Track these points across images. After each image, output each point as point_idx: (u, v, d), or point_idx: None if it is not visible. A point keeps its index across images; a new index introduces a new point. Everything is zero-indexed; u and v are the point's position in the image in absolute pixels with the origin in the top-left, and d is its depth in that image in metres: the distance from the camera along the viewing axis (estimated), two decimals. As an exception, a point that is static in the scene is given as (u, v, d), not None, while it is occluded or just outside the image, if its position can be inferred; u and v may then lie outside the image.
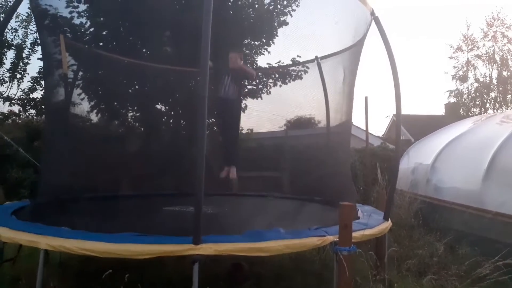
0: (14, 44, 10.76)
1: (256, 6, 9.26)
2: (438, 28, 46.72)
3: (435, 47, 47.77)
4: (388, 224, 4.60)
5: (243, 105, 9.41)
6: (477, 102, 21.60)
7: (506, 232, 5.04)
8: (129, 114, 9.40)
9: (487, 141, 6.57)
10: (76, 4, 7.93)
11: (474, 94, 21.71)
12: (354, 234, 3.45)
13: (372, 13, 4.79)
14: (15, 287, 3.83)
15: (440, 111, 25.17)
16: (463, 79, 21.88)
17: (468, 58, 21.87)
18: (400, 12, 50.30)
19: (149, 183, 6.93)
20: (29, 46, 10.90)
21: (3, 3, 10.62)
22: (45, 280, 3.28)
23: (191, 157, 5.51)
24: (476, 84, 21.74)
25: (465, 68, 21.97)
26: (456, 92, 22.05)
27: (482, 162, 6.06)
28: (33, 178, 7.73)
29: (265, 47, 9.59)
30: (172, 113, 9.68)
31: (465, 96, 21.94)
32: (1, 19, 9.49)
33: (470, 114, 20.08)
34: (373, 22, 4.84)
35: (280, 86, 9.18)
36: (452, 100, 22.17)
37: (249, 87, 9.60)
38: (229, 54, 5.74)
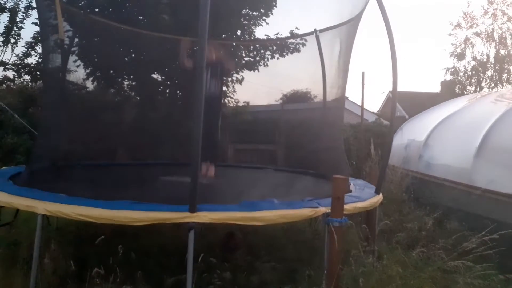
0: (8, 7, 10.52)
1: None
2: (439, 4, 46.01)
3: (435, 24, 47.15)
4: (379, 197, 4.67)
5: (239, 77, 9.42)
6: (473, 81, 21.51)
7: (494, 209, 5.17)
8: (125, 83, 9.35)
9: (480, 119, 6.63)
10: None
11: (470, 72, 21.60)
12: (346, 206, 3.51)
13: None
14: (14, 251, 3.89)
15: (436, 88, 25.12)
16: (461, 56, 21.68)
17: (466, 36, 21.65)
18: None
19: (145, 152, 6.97)
20: (23, 9, 10.67)
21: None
22: (45, 243, 3.32)
23: (187, 126, 5.54)
24: (473, 62, 21.61)
25: (463, 46, 21.78)
26: (452, 69, 21.92)
27: (474, 140, 6.13)
28: (28, 144, 7.75)
29: (264, 18, 9.48)
30: (169, 82, 9.63)
31: (461, 74, 21.83)
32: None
33: (466, 92, 20.04)
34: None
35: (278, 58, 9.13)
36: (449, 78, 22.05)
37: (246, 59, 9.54)
38: None
